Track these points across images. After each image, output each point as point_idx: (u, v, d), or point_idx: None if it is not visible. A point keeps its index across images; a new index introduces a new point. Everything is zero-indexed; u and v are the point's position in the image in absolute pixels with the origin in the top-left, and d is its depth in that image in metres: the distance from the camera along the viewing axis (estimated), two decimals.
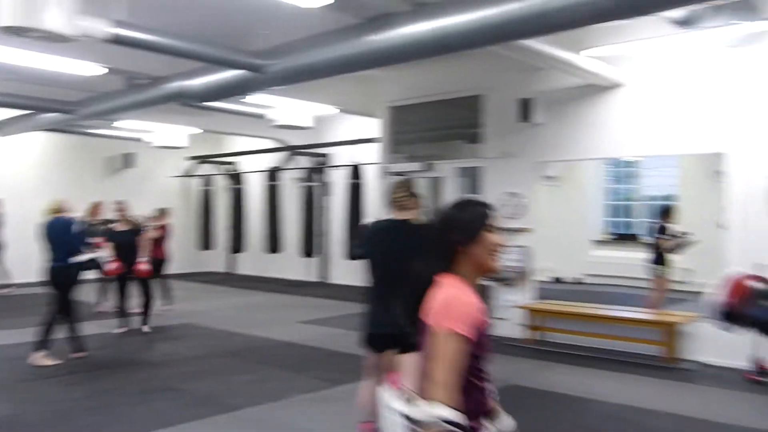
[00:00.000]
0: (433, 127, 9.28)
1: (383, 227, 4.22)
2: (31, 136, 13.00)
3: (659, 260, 8.67)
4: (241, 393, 5.69)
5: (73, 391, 5.72)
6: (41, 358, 6.48)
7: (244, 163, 15.37)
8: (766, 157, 6.41)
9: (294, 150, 13.70)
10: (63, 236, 6.55)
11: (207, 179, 15.73)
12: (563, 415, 5.24)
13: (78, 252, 6.62)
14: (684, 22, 5.74)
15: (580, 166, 13.20)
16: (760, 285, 4.27)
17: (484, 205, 2.13)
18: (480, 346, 1.95)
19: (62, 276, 6.53)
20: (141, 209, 9.65)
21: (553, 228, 11.51)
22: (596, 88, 7.41)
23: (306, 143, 13.39)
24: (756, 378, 6.07)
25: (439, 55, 5.70)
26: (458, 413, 1.85)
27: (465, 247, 2.04)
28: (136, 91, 8.41)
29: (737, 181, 6.63)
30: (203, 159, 15.60)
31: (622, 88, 7.32)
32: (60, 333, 6.67)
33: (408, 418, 1.91)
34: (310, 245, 13.54)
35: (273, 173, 14.26)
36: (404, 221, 3.99)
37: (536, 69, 7.33)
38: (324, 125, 13.51)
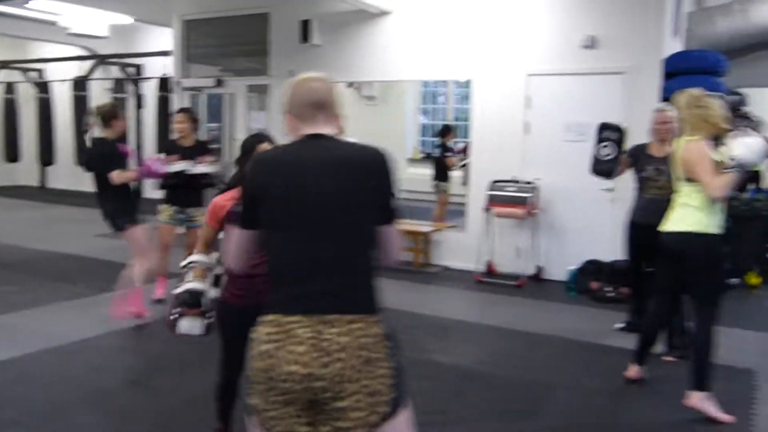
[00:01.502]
0: (225, 43, 9.44)
1: None
2: None
3: (441, 176, 9.55)
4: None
5: None
6: None
7: (51, 71, 14.66)
8: (504, 84, 7.19)
9: (103, 59, 13.25)
10: None
11: (10, 86, 14.86)
12: None
13: None
14: None
15: (398, 87, 13.81)
16: None
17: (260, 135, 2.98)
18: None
19: None
20: None
21: (377, 143, 12.21)
22: (367, 14, 7.84)
23: (116, 52, 13.02)
24: (482, 279, 7.03)
25: None
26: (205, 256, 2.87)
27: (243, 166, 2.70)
28: None
29: (479, 106, 7.43)
30: (4, 64, 14.69)
31: (390, 14, 7.79)
32: None
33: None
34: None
35: (81, 83, 13.74)
36: None
37: None
38: (137, 34, 13.17)
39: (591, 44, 6.65)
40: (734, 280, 6.83)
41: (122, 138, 5.49)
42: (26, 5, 8.93)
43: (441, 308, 6.08)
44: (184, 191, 5.72)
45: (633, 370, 4.21)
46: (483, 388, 4.19)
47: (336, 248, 1.82)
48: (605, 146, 5.25)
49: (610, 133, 5.27)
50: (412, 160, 14.55)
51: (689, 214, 3.71)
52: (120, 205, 5.18)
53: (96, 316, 5.49)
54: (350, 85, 13.09)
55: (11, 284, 6.49)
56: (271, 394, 1.78)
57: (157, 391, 4.09)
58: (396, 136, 14.40)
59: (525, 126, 7.10)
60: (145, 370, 4.46)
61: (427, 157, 14.84)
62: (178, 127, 5.85)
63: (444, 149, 9.62)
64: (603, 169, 5.28)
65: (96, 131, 5.41)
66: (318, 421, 1.78)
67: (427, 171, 10.39)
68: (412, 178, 13.65)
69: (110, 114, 5.19)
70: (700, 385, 3.67)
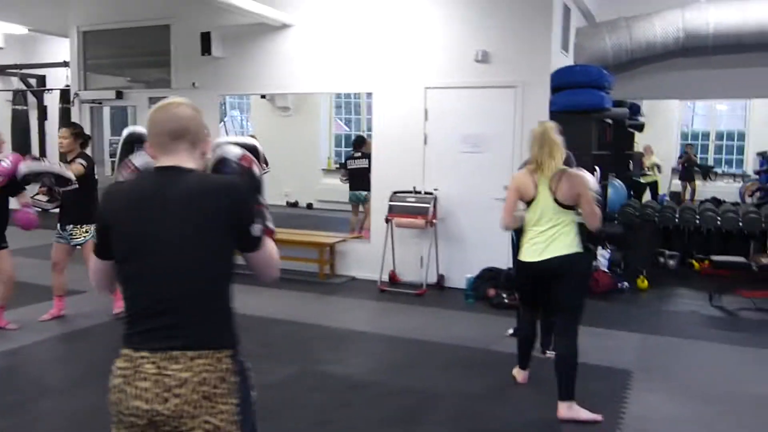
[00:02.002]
0: (126, 54, 9.28)
1: None
2: None
3: (353, 186, 9.57)
4: None
5: None
6: None
7: None
8: (403, 97, 7.34)
9: (1, 69, 12.77)
10: None
11: None
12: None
13: None
14: None
15: (312, 98, 13.86)
16: None
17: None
18: None
19: None
20: None
21: (289, 156, 12.30)
22: (269, 27, 7.86)
23: (16, 63, 12.59)
24: (384, 288, 7.14)
25: None
26: None
27: None
28: None
29: (380, 118, 7.57)
30: None
31: (292, 27, 7.83)
32: None
33: None
34: None
35: None
36: None
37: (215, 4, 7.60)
38: (40, 45, 12.77)
39: (484, 59, 6.87)
40: (625, 284, 7.17)
41: None
42: None
43: (341, 319, 6.15)
44: (63, 208, 5.58)
45: (519, 374, 4.44)
46: (371, 398, 4.26)
47: (182, 285, 1.81)
48: None
49: None
50: (327, 171, 14.63)
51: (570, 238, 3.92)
52: None
53: None
54: (263, 96, 13.11)
55: None
56: (120, 427, 1.83)
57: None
58: (311, 146, 14.47)
59: (424, 138, 7.26)
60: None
61: (341, 167, 14.95)
62: (61, 142, 5.66)
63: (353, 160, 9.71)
64: None
65: None
66: None
67: (337, 181, 10.48)
68: (326, 188, 13.79)
69: None
70: (569, 395, 3.86)
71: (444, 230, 7.26)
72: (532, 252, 3.95)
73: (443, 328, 5.88)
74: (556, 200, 3.87)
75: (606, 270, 7.23)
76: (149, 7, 8.44)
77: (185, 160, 1.87)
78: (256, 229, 1.89)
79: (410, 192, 7.24)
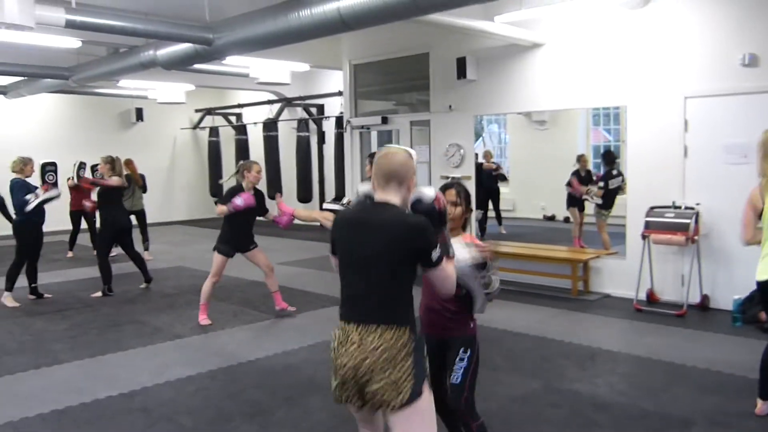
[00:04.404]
0: (390, 81, 10.16)
1: None
2: (42, 98, 14.20)
3: (605, 204, 9.39)
4: (190, 325, 6.76)
5: (56, 324, 6.88)
6: (8, 299, 7.71)
7: (247, 115, 16.33)
8: (660, 108, 7.04)
9: (288, 101, 14.58)
10: (16, 194, 7.63)
11: (214, 130, 16.75)
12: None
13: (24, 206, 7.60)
14: None
15: (569, 111, 13.73)
16: None
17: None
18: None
19: (19, 228, 7.77)
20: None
21: (546, 169, 12.39)
22: (519, 48, 8.04)
23: (299, 95, 14.30)
24: (640, 307, 6.86)
25: (342, 33, 6.47)
26: None
27: None
28: (116, 59, 9.36)
29: (635, 131, 7.32)
30: (208, 111, 16.64)
31: (542, 47, 7.93)
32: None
33: None
34: (308, 191, 14.52)
35: (272, 124, 15.17)
36: None
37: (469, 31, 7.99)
38: (318, 77, 14.33)
39: (752, 62, 6.34)
40: None
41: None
42: (223, 61, 10.13)
43: (591, 336, 6.05)
44: None
45: (759, 405, 4.12)
46: (615, 419, 4.19)
47: (372, 282, 2.51)
48: None
49: None
50: None
51: None
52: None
53: (268, 338, 6.19)
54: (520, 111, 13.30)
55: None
56: (335, 376, 2.59)
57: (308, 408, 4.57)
58: (568, 158, 14.23)
59: (684, 149, 6.88)
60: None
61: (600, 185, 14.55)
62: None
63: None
64: None
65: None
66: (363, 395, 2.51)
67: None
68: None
69: None
70: None
71: (708, 247, 6.80)
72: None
73: (702, 351, 5.53)
74: None
75: None
76: (410, 38, 9.08)
77: (392, 196, 2.54)
78: (435, 253, 2.44)
79: (669, 207, 6.90)
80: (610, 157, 9.54)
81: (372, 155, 6.90)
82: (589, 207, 9.69)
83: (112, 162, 8.24)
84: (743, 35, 6.43)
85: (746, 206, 4.02)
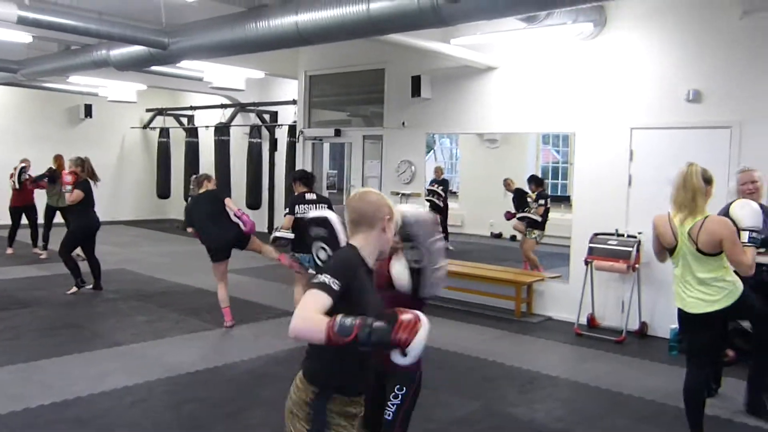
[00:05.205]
0: (344, 93, 10.26)
1: None
2: None
3: (533, 224, 9.43)
4: (131, 331, 6.62)
5: None
6: None
7: (199, 117, 16.11)
8: (607, 137, 7.23)
9: (242, 107, 14.46)
10: None
11: (165, 131, 16.47)
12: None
13: None
14: (530, 19, 6.41)
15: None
16: None
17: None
18: None
19: None
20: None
21: (495, 187, 12.50)
22: (474, 70, 8.18)
23: (253, 101, 14.19)
24: (581, 332, 7.02)
25: (300, 46, 6.48)
26: None
27: None
28: (67, 56, 9.16)
29: (582, 158, 7.50)
30: (160, 111, 16.38)
31: (496, 70, 8.07)
32: None
33: None
34: (257, 198, 14.40)
35: (224, 128, 15.00)
36: None
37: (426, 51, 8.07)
38: (274, 85, 14.25)
39: (695, 98, 6.57)
40: None
41: None
42: (177, 65, 9.99)
43: (532, 360, 6.15)
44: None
45: None
46: None
47: None
48: None
49: None
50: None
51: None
52: None
53: (211, 349, 6.11)
54: None
55: (146, 315, 7.31)
56: None
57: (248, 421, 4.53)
58: (517, 177, 14.43)
59: (628, 179, 7.08)
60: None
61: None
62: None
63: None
64: None
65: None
66: None
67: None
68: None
69: None
70: None
71: (648, 276, 6.99)
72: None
73: (639, 379, 5.66)
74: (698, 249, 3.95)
75: None
76: (367, 53, 9.11)
77: (360, 240, 2.35)
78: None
79: (612, 234, 7.08)
80: (538, 180, 9.67)
81: (296, 175, 6.95)
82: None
83: (82, 164, 8.15)
84: (689, 72, 6.67)
85: (653, 234, 4.32)
